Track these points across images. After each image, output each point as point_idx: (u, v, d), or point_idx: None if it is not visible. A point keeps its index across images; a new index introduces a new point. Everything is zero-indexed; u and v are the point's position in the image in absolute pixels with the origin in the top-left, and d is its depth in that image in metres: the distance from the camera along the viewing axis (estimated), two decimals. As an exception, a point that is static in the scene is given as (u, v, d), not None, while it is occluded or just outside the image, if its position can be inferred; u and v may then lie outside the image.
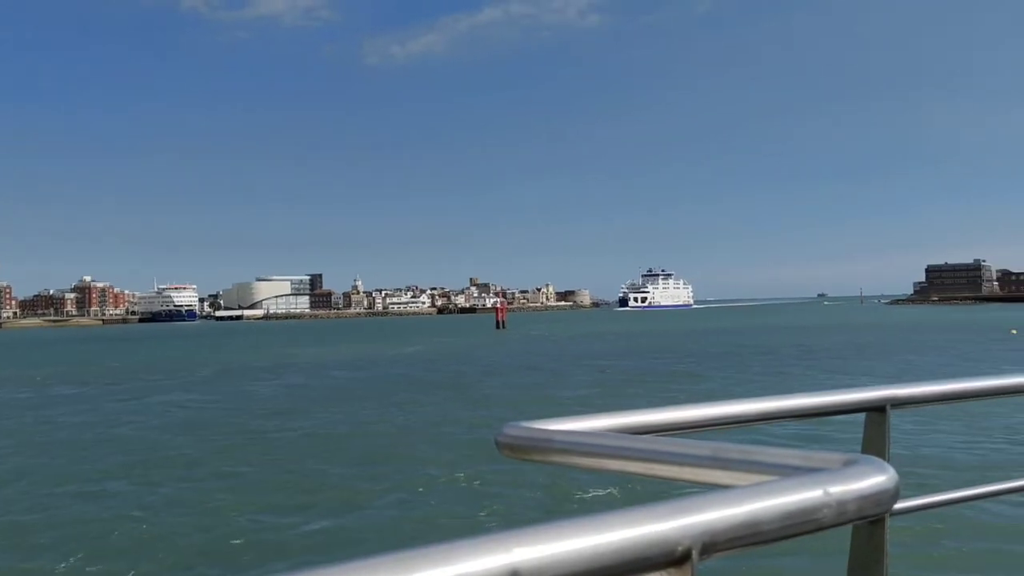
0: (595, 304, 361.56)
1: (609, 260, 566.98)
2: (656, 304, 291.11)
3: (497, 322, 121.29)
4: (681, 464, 1.26)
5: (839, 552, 2.02)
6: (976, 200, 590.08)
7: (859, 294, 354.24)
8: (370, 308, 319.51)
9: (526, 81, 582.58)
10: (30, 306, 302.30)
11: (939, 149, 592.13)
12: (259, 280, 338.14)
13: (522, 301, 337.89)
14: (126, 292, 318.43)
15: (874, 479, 1.02)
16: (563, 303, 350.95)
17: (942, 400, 2.38)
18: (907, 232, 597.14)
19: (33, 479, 17.96)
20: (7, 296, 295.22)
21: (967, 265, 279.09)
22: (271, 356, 64.72)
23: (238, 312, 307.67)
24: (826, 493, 0.97)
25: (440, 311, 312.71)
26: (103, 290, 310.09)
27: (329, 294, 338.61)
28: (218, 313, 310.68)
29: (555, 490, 15.00)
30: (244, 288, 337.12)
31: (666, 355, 53.08)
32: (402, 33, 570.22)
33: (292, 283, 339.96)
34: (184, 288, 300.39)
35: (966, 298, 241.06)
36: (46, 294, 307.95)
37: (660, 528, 0.85)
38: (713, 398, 1.96)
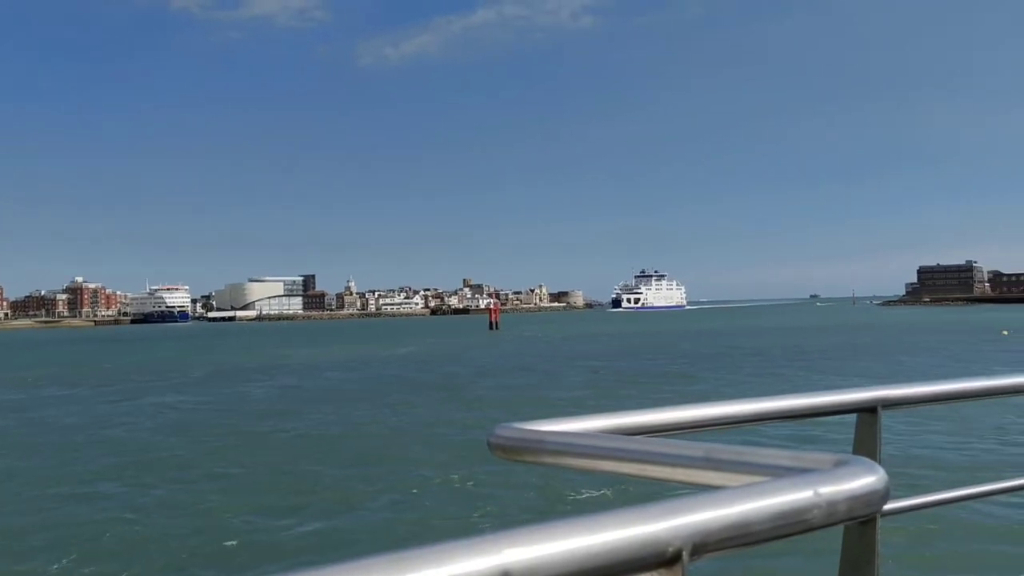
0: (588, 305, 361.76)
1: (602, 261, 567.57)
2: (649, 305, 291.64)
3: (490, 323, 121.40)
4: (673, 465, 1.26)
5: (831, 552, 2.03)
6: (968, 202, 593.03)
7: (851, 295, 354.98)
8: (363, 309, 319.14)
9: (520, 82, 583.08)
10: (21, 307, 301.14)
11: (931, 151, 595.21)
12: (252, 281, 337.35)
13: (515, 302, 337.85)
14: (118, 293, 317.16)
15: (864, 480, 1.03)
16: (556, 304, 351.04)
17: (933, 401, 2.40)
18: (899, 233, 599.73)
19: (25, 481, 17.90)
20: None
21: (959, 266, 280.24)
22: (264, 357, 64.59)
23: (231, 313, 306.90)
24: (816, 494, 0.97)
25: (433, 312, 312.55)
26: (95, 291, 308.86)
27: (322, 295, 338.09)
28: (210, 314, 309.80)
29: (548, 491, 15.01)
30: (237, 289, 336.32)
31: (659, 356, 53.15)
32: (395, 34, 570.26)
33: (285, 284, 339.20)
34: (176, 289, 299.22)
35: (958, 299, 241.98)
36: (37, 295, 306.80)
37: (650, 529, 0.85)
38: (706, 399, 1.97)
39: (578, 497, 14.64)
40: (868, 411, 2.17)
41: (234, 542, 12.84)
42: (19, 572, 11.73)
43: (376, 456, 19.68)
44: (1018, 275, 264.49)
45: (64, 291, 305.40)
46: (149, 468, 18.97)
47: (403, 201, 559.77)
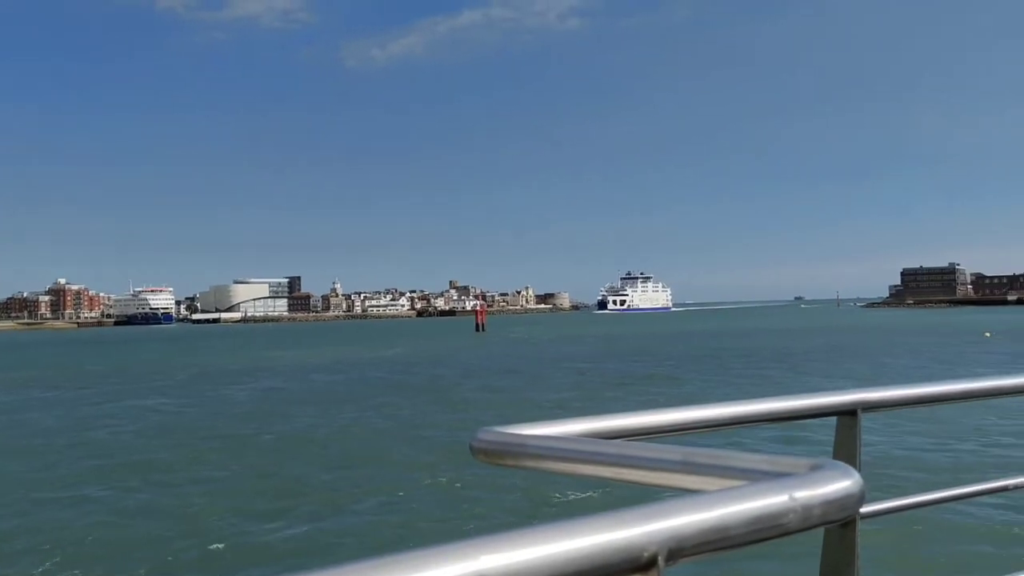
0: (575, 307, 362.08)
1: (589, 263, 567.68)
2: (635, 307, 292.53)
3: (477, 325, 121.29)
4: (651, 469, 1.26)
5: (811, 555, 2.06)
6: (951, 204, 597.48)
7: (836, 297, 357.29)
8: (349, 311, 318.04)
9: (507, 84, 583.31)
10: (3, 309, 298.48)
11: (917, 154, 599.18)
12: (237, 283, 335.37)
13: (502, 304, 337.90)
14: (101, 295, 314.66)
15: (839, 484, 1.03)
16: (543, 306, 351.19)
17: (912, 404, 2.43)
18: (883, 236, 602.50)
19: (7, 484, 17.73)
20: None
21: (942, 269, 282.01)
22: (249, 359, 64.32)
23: (215, 315, 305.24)
24: (791, 498, 0.98)
25: (420, 314, 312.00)
26: (78, 293, 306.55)
27: (308, 297, 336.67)
28: (195, 316, 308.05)
29: (534, 493, 15.03)
30: (221, 291, 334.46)
31: (645, 358, 53.29)
32: (381, 35, 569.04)
33: (270, 286, 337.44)
34: (160, 291, 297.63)
35: (940, 301, 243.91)
36: (19, 296, 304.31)
37: (625, 534, 0.86)
38: (692, 401, 1.99)
39: (564, 499, 14.67)
40: (848, 414, 2.20)
41: (220, 545, 12.79)
42: (2, 575, 11.65)
43: (362, 458, 19.64)
44: (1000, 277, 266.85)
45: (46, 293, 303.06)
46: (133, 471, 18.85)
47: (389, 202, 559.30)
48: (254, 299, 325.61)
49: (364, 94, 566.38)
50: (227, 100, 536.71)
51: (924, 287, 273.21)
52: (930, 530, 11.63)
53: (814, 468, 1.07)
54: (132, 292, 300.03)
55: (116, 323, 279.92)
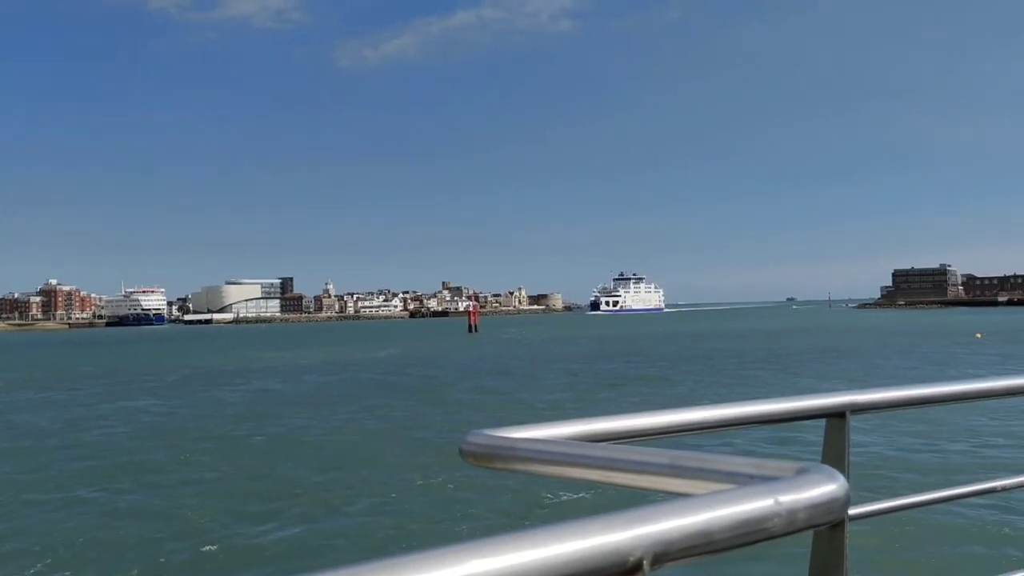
0: (567, 308, 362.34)
1: (581, 264, 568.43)
2: (627, 308, 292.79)
3: (470, 326, 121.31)
4: (638, 472, 1.26)
5: (800, 558, 2.07)
6: (942, 206, 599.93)
7: (827, 298, 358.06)
8: (342, 312, 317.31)
9: (500, 85, 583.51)
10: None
11: (908, 156, 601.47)
12: (229, 283, 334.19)
13: (495, 305, 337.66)
14: (93, 296, 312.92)
15: (824, 488, 1.03)
16: (535, 307, 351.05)
17: (902, 406, 2.44)
18: (874, 237, 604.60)
19: (-3, 486, 17.65)
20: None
21: (933, 270, 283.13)
22: (241, 360, 64.14)
23: (207, 316, 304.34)
24: (777, 502, 0.98)
25: (412, 315, 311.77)
26: (69, 293, 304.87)
27: (300, 298, 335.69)
28: (187, 317, 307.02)
29: (526, 494, 15.04)
30: (213, 291, 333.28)
31: (637, 359, 53.34)
32: (374, 36, 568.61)
33: (263, 286, 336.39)
34: (152, 291, 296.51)
35: (932, 302, 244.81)
36: (10, 297, 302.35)
37: (611, 539, 0.86)
38: (683, 403, 2.01)
39: (556, 500, 14.68)
40: (837, 416, 2.21)
41: (212, 547, 12.76)
42: (-8, 578, 11.60)
43: (354, 460, 19.63)
44: (991, 279, 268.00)
45: (38, 293, 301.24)
46: (125, 472, 18.80)
47: (382, 203, 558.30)
48: (246, 300, 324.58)
49: (357, 95, 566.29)
50: (219, 100, 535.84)
51: (915, 288, 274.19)
52: (920, 531, 11.68)
53: (800, 472, 1.07)
54: (124, 293, 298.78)
55: (108, 324, 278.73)
